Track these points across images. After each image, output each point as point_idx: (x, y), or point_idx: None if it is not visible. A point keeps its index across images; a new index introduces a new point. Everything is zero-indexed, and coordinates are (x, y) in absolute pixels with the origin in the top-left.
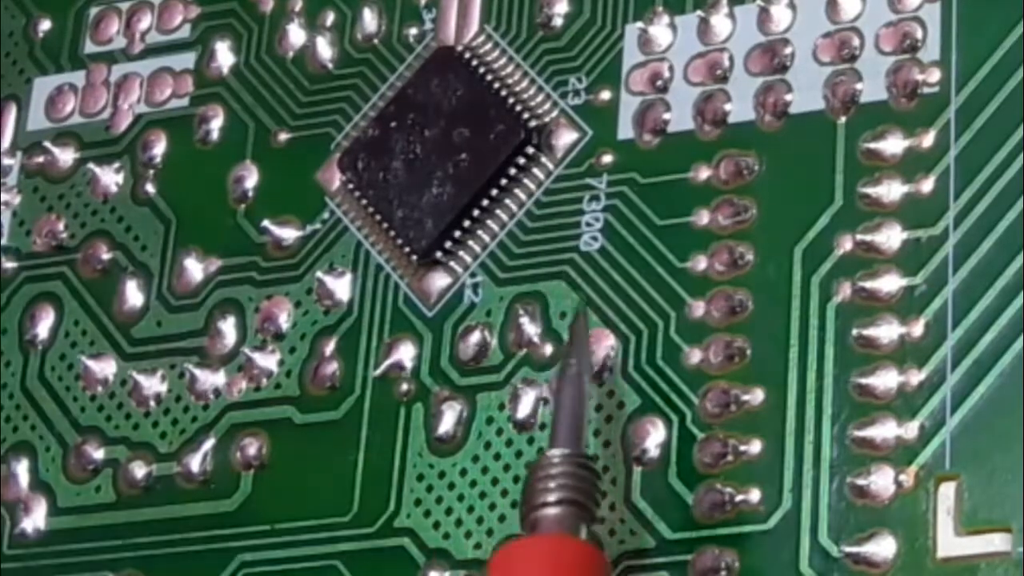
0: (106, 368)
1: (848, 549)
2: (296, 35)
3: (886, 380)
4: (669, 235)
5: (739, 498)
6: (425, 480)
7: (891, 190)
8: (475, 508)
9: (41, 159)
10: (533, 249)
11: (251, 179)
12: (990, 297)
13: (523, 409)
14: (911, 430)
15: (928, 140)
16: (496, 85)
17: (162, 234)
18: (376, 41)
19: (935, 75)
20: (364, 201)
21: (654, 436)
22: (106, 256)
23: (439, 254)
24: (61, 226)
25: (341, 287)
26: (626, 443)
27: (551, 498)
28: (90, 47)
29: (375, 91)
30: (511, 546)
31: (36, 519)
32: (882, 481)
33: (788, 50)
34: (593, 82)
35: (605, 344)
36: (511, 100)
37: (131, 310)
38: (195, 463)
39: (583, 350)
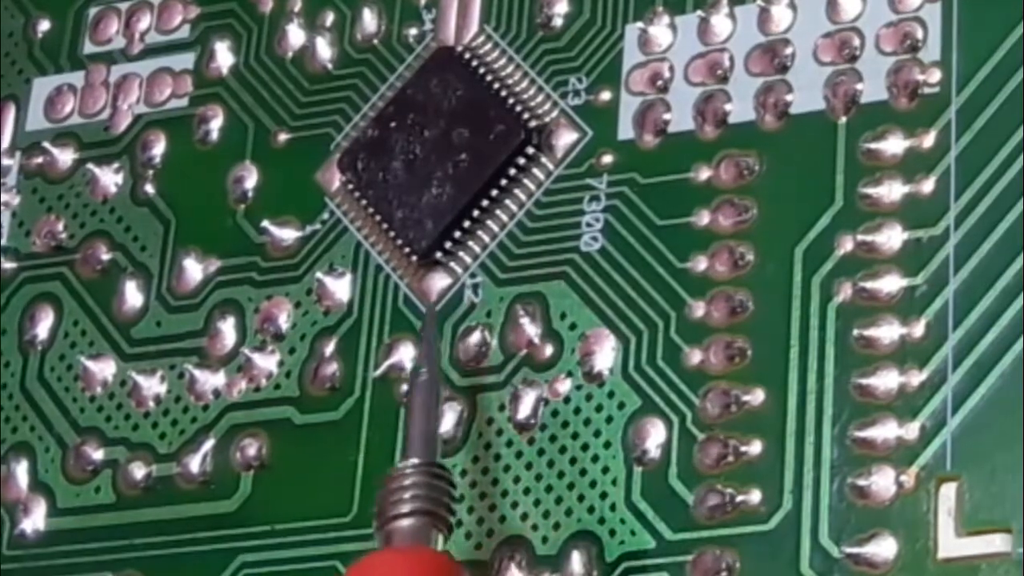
0: (105, 369)
1: (849, 550)
2: (296, 35)
3: (887, 381)
4: (669, 235)
5: (739, 499)
6: None
7: (892, 190)
8: (475, 508)
9: (40, 159)
10: (533, 249)
11: (251, 179)
12: (991, 298)
13: (523, 410)
14: (912, 431)
15: (929, 140)
16: (496, 85)
17: (161, 234)
18: (376, 41)
19: (935, 75)
20: (364, 201)
21: (654, 436)
22: (105, 257)
23: (439, 254)
24: (60, 227)
25: (341, 288)
26: (626, 443)
27: (404, 509)
28: (89, 47)
29: (375, 91)
30: (366, 560)
31: (36, 520)
32: (883, 482)
33: (789, 50)
34: (593, 82)
35: (606, 344)
36: (511, 100)
37: (130, 311)
38: (195, 464)
39: (432, 355)
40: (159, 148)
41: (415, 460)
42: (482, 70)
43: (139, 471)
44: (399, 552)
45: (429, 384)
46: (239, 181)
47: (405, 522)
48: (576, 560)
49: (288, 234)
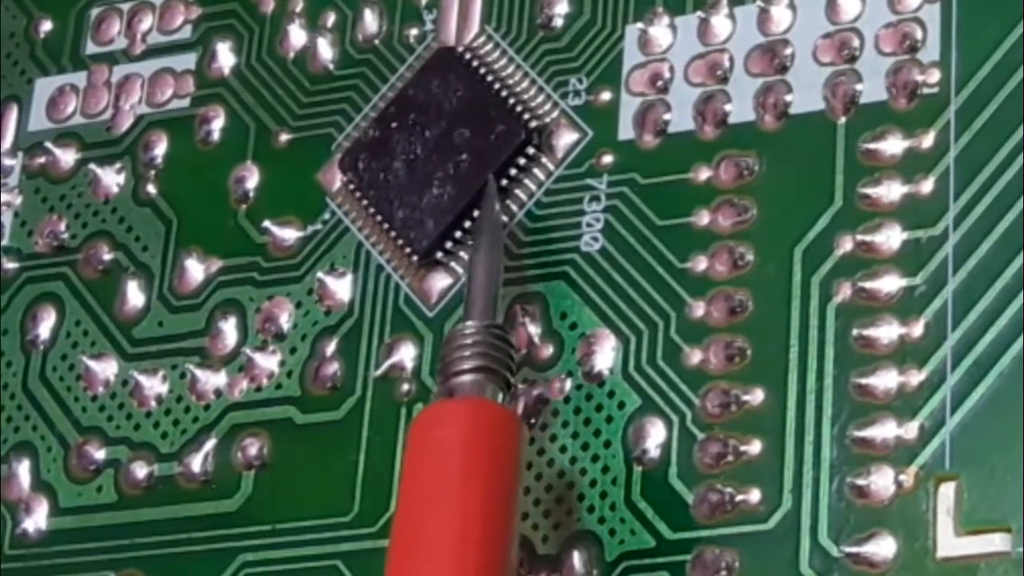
0: (107, 368)
1: (848, 549)
2: (297, 36)
3: (886, 380)
4: (669, 235)
5: (739, 498)
6: None
7: (891, 190)
8: None
9: (42, 159)
10: (533, 249)
11: (252, 179)
12: (990, 297)
13: (523, 409)
14: (911, 430)
15: (928, 141)
16: (497, 86)
17: (163, 234)
18: (377, 42)
19: (935, 76)
20: (365, 201)
21: (654, 436)
22: (107, 256)
23: (440, 254)
24: (62, 227)
25: (342, 287)
26: (626, 443)
27: (467, 365)
28: (91, 48)
29: (376, 92)
30: (429, 409)
31: (37, 519)
32: (882, 481)
33: (788, 51)
34: (593, 83)
35: (606, 344)
36: (511, 101)
37: (132, 310)
38: (196, 463)
39: (494, 221)
40: (161, 148)
41: (474, 321)
42: (483, 70)
43: (141, 470)
44: (462, 402)
45: (491, 247)
46: (240, 181)
47: (468, 377)
48: (576, 559)
49: (289, 234)
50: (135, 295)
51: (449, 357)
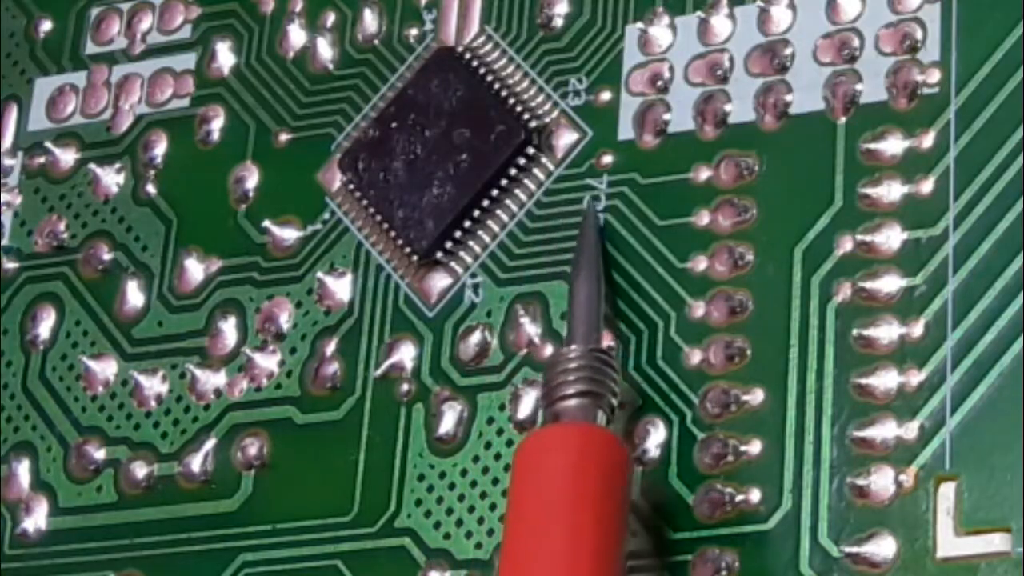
0: (107, 368)
1: (848, 549)
2: (297, 36)
3: (886, 380)
4: (669, 235)
5: (739, 498)
6: (426, 480)
7: (891, 191)
8: (476, 508)
9: (42, 159)
10: (534, 249)
11: (252, 179)
12: (990, 297)
13: (524, 409)
14: (911, 430)
15: (928, 141)
16: (496, 86)
17: (163, 234)
18: (376, 42)
19: (935, 76)
20: (365, 201)
21: (654, 436)
22: (107, 256)
23: (440, 254)
24: (62, 226)
25: (342, 287)
26: (626, 443)
27: (571, 390)
28: (91, 48)
29: (376, 92)
30: (536, 434)
31: (37, 519)
32: (882, 481)
33: (788, 51)
34: (593, 83)
35: (606, 344)
36: (511, 101)
37: (132, 310)
38: (196, 463)
39: (594, 247)
40: (161, 148)
41: (578, 345)
42: (483, 70)
43: (141, 470)
44: (570, 427)
45: (591, 272)
46: (240, 181)
47: (573, 402)
48: None
49: (289, 234)
50: (135, 295)
51: (554, 381)
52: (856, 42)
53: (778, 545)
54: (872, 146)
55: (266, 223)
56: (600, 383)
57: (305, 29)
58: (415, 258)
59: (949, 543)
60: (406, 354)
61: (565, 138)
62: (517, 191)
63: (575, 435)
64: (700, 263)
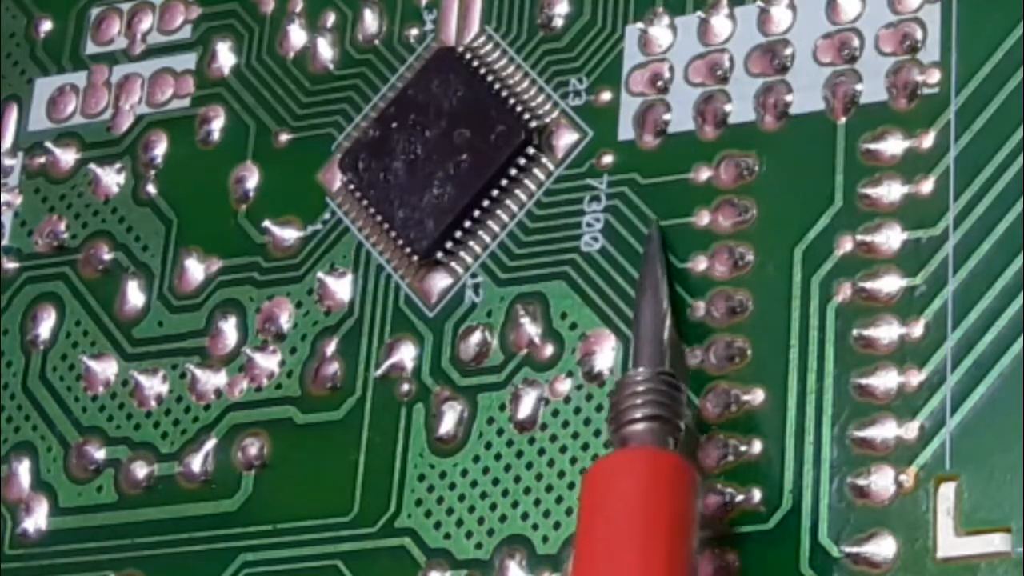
0: (107, 368)
1: (848, 549)
2: (297, 36)
3: (886, 380)
4: (669, 235)
5: (739, 498)
6: (426, 480)
7: (891, 191)
8: (476, 508)
9: (43, 159)
10: (534, 249)
11: (252, 179)
12: (990, 298)
13: (524, 409)
14: (911, 430)
15: (928, 141)
16: (497, 86)
17: (163, 234)
18: (377, 42)
19: (935, 76)
20: (365, 202)
21: None
22: (107, 256)
23: (440, 254)
24: (62, 226)
25: (342, 287)
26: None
27: (639, 414)
28: (91, 48)
29: (376, 92)
30: (604, 460)
31: (37, 519)
32: (882, 481)
33: (788, 51)
34: (594, 83)
35: (606, 344)
36: (512, 101)
37: (132, 310)
38: (196, 463)
39: (658, 268)
40: (161, 148)
41: (645, 368)
42: (483, 70)
43: (141, 470)
44: (639, 452)
45: (656, 293)
46: (240, 181)
47: (640, 426)
48: None
49: (289, 234)
50: (135, 295)
51: (622, 405)
52: (856, 42)
53: (778, 545)
54: (872, 146)
55: (266, 223)
56: (668, 407)
57: (305, 29)
58: (415, 258)
59: (949, 543)
60: (406, 354)
61: (565, 138)
62: (517, 191)
63: (645, 460)
64: (700, 263)
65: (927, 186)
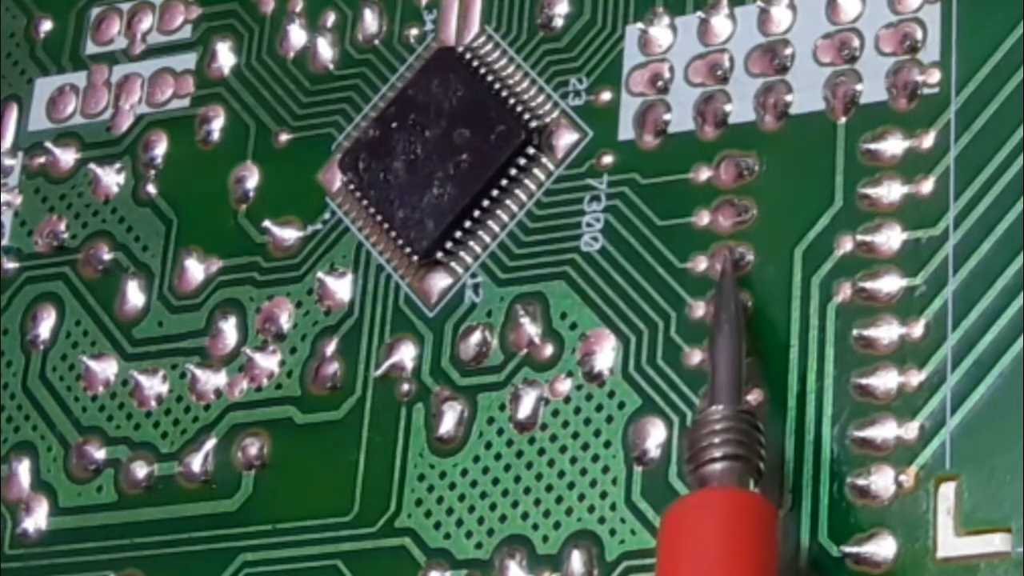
0: (107, 368)
1: (848, 549)
2: (297, 36)
3: (886, 380)
4: (669, 235)
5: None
6: (426, 480)
7: (891, 191)
8: (476, 508)
9: (42, 159)
10: (534, 249)
11: (252, 179)
12: (990, 297)
13: (524, 409)
14: (911, 430)
15: (928, 141)
16: (497, 86)
17: (163, 234)
18: (377, 42)
19: (935, 76)
20: (365, 201)
21: (654, 436)
22: (107, 256)
23: (440, 254)
24: (62, 226)
25: (342, 287)
26: (626, 443)
27: (718, 453)
28: (91, 48)
29: (376, 92)
30: (685, 500)
31: (37, 519)
32: (882, 481)
33: (788, 51)
34: (594, 83)
35: (606, 344)
36: (512, 101)
37: (132, 310)
38: (196, 463)
39: (734, 305)
40: (161, 148)
41: (723, 406)
42: (483, 70)
43: (141, 470)
44: (719, 492)
45: (733, 332)
46: (240, 181)
47: (719, 465)
48: (576, 559)
49: (289, 234)
50: (135, 295)
51: (701, 443)
52: (856, 42)
53: (778, 545)
54: (872, 146)
55: (266, 223)
56: (748, 446)
57: (305, 29)
58: (415, 258)
59: (949, 543)
60: (406, 354)
61: (565, 138)
62: (517, 191)
63: (725, 500)
64: (700, 263)
65: (927, 186)
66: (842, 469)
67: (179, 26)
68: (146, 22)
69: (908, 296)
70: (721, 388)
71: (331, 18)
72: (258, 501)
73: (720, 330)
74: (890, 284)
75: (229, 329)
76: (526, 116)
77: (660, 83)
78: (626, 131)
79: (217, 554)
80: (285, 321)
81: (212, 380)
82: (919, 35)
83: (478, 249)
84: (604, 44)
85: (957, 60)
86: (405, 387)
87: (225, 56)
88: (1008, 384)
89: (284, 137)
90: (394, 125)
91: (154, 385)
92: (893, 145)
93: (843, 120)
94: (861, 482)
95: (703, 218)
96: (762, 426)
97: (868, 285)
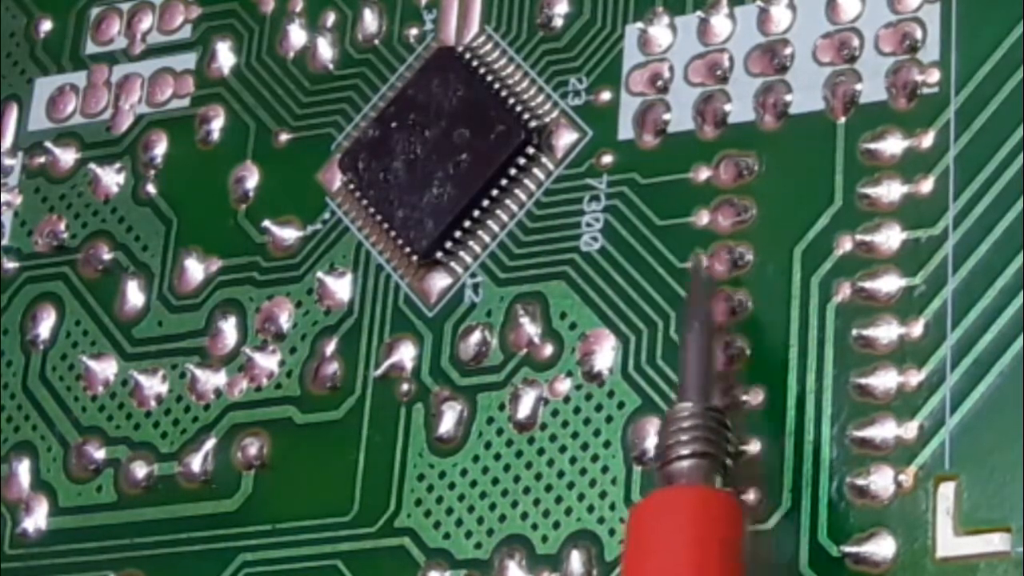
0: (107, 368)
1: (848, 549)
2: (297, 35)
3: (886, 380)
4: (669, 235)
5: (739, 498)
6: (426, 480)
7: (891, 190)
8: (475, 508)
9: (42, 159)
10: (533, 249)
11: (252, 179)
12: (990, 297)
13: (523, 409)
14: (910, 430)
15: (928, 140)
16: (496, 85)
17: (163, 234)
18: (377, 42)
19: (935, 75)
20: (365, 201)
21: (654, 436)
22: (107, 256)
23: (439, 254)
24: (62, 226)
25: (342, 287)
26: (626, 443)
27: (685, 451)
28: (91, 47)
29: (376, 91)
30: (650, 498)
31: (37, 519)
32: (882, 481)
33: (788, 50)
34: (593, 82)
35: (606, 344)
36: (511, 100)
37: (132, 310)
38: (196, 463)
39: (705, 302)
40: (161, 148)
41: (691, 403)
42: (483, 70)
43: (141, 470)
44: (687, 490)
45: (703, 329)
46: (240, 181)
47: (686, 463)
48: (576, 559)
49: (289, 234)
50: (135, 295)
51: (668, 441)
52: (856, 42)
53: (778, 545)
54: (872, 146)
55: (266, 223)
56: (714, 443)
57: (305, 29)
58: (415, 258)
59: (949, 543)
60: (406, 354)
61: (565, 138)
62: (517, 191)
63: (692, 498)
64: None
65: (927, 186)
66: (841, 469)
67: (179, 26)
68: (146, 22)
69: (907, 296)
70: (690, 386)
71: (331, 18)
72: (258, 501)
73: (690, 328)
74: (889, 284)
75: (229, 329)
76: (526, 116)
77: (660, 83)
78: (626, 131)
79: (217, 554)
80: (285, 321)
81: (212, 380)
82: (919, 35)
83: (478, 249)
84: (604, 44)
85: (957, 60)
86: (405, 387)
87: (225, 56)
88: (1007, 384)
89: (284, 137)
90: (394, 125)
91: (154, 385)
92: (893, 145)
93: (843, 120)
94: (860, 482)
95: (703, 218)
96: (730, 423)
97: (867, 285)
